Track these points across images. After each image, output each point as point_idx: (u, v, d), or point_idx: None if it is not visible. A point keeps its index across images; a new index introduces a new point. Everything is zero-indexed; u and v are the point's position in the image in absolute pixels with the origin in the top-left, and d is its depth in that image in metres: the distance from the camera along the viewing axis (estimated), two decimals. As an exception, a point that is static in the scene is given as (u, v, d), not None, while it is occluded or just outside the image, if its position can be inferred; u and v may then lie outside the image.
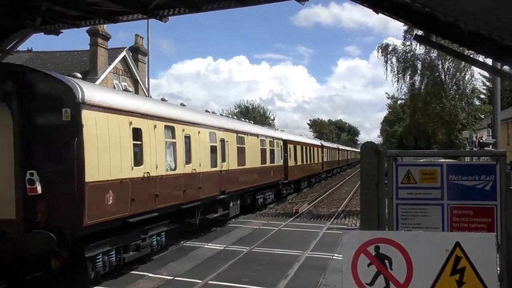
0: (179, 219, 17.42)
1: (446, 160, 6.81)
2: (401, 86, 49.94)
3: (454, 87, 48.78)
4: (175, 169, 16.33)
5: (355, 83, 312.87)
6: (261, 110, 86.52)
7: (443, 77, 48.70)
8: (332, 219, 25.63)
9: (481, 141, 31.02)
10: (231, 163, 22.17)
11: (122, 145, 13.01)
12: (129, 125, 13.50)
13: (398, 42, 79.34)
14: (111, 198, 12.43)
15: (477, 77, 70.92)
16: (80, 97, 11.53)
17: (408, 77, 49.28)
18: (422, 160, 8.15)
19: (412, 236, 4.84)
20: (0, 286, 12.14)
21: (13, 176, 11.35)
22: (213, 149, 20.11)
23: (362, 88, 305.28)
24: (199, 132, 18.55)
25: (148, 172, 14.27)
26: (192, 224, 18.88)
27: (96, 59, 33.86)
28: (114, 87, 31.35)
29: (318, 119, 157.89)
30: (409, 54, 48.87)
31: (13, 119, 11.48)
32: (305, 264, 15.39)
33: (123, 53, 37.22)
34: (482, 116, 55.85)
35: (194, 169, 17.85)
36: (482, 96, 65.09)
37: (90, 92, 12.00)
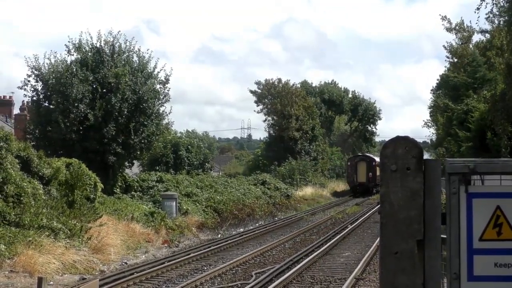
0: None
1: None
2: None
3: None
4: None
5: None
6: (136, 58, 30.89)
7: None
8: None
9: None
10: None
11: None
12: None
13: None
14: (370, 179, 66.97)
15: None
16: (375, 161, 66.65)
17: None
18: None
19: None
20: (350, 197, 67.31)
21: (365, 173, 67.41)
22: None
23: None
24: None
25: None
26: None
27: None
28: None
29: (278, 80, 65.22)
30: None
31: (366, 165, 67.81)
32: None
33: None
34: None
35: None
36: None
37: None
